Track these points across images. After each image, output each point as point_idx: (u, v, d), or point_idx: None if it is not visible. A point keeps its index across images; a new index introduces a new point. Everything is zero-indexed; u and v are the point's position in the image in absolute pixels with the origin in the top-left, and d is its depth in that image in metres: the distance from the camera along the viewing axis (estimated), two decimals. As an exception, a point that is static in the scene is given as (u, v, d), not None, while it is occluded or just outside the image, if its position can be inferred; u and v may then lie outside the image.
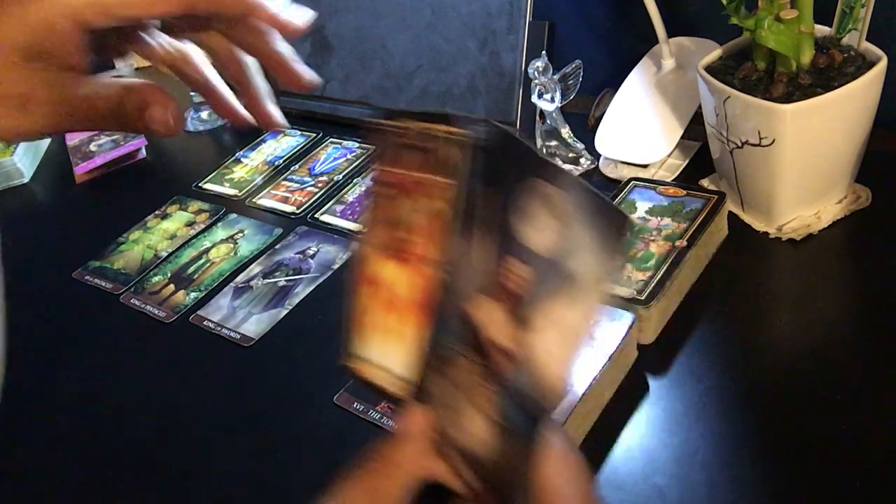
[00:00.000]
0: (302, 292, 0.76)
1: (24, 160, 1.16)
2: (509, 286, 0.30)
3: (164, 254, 0.87)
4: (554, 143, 0.80)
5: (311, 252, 0.81)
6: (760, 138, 0.62)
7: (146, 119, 0.41)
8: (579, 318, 0.29)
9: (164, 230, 0.92)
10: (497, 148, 0.30)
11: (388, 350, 0.36)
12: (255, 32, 0.40)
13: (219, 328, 0.74)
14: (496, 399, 0.31)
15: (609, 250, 0.28)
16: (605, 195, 0.28)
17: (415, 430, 0.34)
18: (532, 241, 0.29)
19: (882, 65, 0.61)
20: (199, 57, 0.43)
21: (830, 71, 0.62)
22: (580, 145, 0.82)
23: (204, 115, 1.17)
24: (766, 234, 0.68)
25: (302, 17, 0.40)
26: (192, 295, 0.79)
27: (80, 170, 1.10)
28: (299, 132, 1.05)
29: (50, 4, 0.40)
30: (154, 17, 0.42)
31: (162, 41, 0.44)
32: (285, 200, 0.92)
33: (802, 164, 0.63)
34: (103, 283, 0.85)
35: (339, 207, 0.88)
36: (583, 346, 0.29)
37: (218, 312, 0.76)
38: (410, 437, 0.34)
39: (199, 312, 0.77)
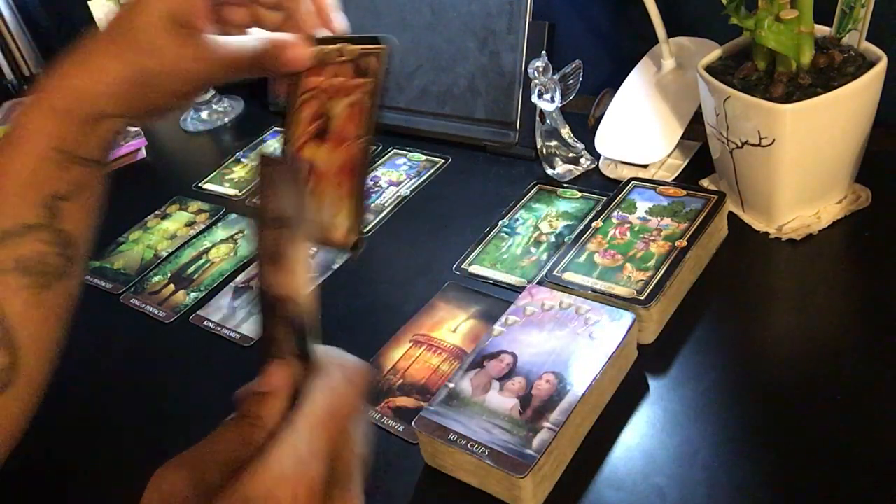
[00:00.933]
0: (302, 292, 0.76)
1: (24, 160, 1.16)
2: (276, 249, 0.40)
3: (164, 254, 0.88)
4: (554, 143, 0.80)
5: (310, 252, 0.81)
6: (760, 138, 0.62)
7: (287, 63, 0.56)
8: (305, 254, 0.40)
9: (164, 230, 0.92)
10: None
11: (335, 209, 0.48)
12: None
13: (219, 328, 0.74)
14: (290, 337, 0.40)
15: (301, 197, 0.40)
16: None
17: (278, 387, 0.40)
18: (273, 208, 0.40)
19: (882, 65, 0.61)
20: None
21: (830, 71, 0.62)
22: (580, 145, 0.82)
23: (204, 115, 1.17)
24: (766, 234, 0.68)
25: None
26: (192, 295, 0.80)
27: (80, 170, 1.10)
28: (299, 132, 1.05)
29: None
30: None
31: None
32: (285, 200, 0.91)
33: (802, 164, 0.63)
34: (103, 283, 0.85)
35: (339, 207, 0.88)
36: (309, 274, 0.41)
37: (218, 312, 0.76)
38: (274, 393, 0.40)
39: (199, 312, 0.77)
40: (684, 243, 0.64)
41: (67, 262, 0.60)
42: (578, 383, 0.53)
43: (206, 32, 0.56)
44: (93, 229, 0.61)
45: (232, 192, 0.96)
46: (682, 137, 0.78)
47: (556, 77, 0.77)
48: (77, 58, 0.58)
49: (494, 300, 0.68)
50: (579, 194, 0.78)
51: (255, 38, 0.58)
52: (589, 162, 0.82)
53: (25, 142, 0.58)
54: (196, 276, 0.82)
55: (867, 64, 0.62)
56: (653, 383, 0.58)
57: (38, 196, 0.58)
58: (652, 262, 0.63)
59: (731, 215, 0.70)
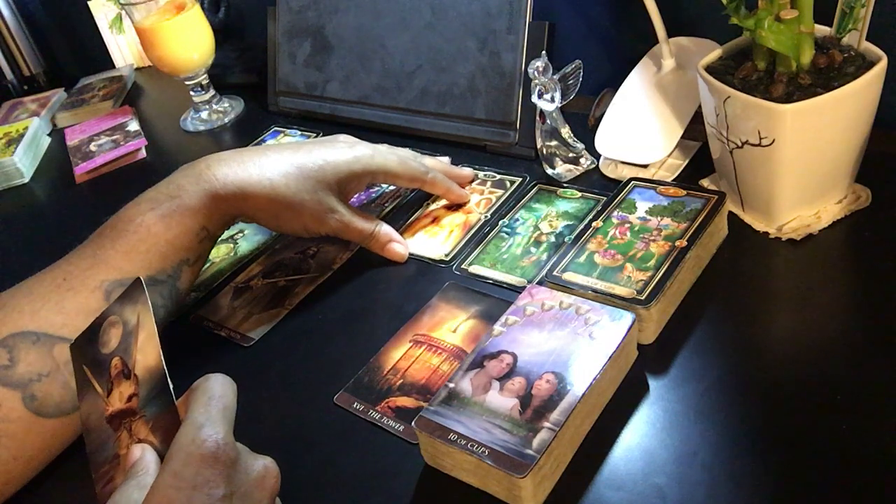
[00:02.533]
0: (302, 292, 0.76)
1: (24, 160, 1.16)
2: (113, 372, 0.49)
3: (164, 254, 0.87)
4: (554, 143, 0.80)
5: (311, 252, 0.81)
6: (760, 138, 0.62)
7: (386, 251, 0.75)
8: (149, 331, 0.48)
9: (164, 230, 0.92)
10: None
11: None
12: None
13: (219, 328, 0.74)
14: (145, 425, 0.47)
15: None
16: None
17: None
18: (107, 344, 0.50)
19: (882, 65, 0.61)
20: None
21: (830, 71, 0.62)
22: (580, 145, 0.82)
23: (204, 115, 1.17)
24: (766, 234, 0.68)
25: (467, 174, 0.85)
26: (192, 295, 0.79)
27: (80, 170, 1.10)
28: (299, 132, 1.06)
29: (361, 165, 0.73)
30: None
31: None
32: (285, 200, 0.91)
33: (802, 164, 0.63)
34: (103, 283, 0.85)
35: (339, 207, 0.87)
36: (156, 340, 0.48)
37: (218, 312, 0.76)
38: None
39: (199, 312, 0.77)
40: (684, 243, 0.64)
41: (167, 315, 0.68)
42: (578, 383, 0.53)
43: (349, 199, 0.75)
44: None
45: (232, 192, 0.96)
46: (682, 137, 0.78)
47: (556, 77, 0.77)
48: (252, 158, 0.70)
49: (494, 300, 0.68)
50: (579, 194, 0.78)
51: (374, 226, 0.74)
52: (589, 162, 0.82)
53: (186, 216, 0.67)
54: (196, 276, 0.82)
55: (867, 64, 0.62)
56: (653, 383, 0.58)
57: (175, 258, 0.67)
58: (652, 262, 0.63)
59: (731, 215, 0.70)
